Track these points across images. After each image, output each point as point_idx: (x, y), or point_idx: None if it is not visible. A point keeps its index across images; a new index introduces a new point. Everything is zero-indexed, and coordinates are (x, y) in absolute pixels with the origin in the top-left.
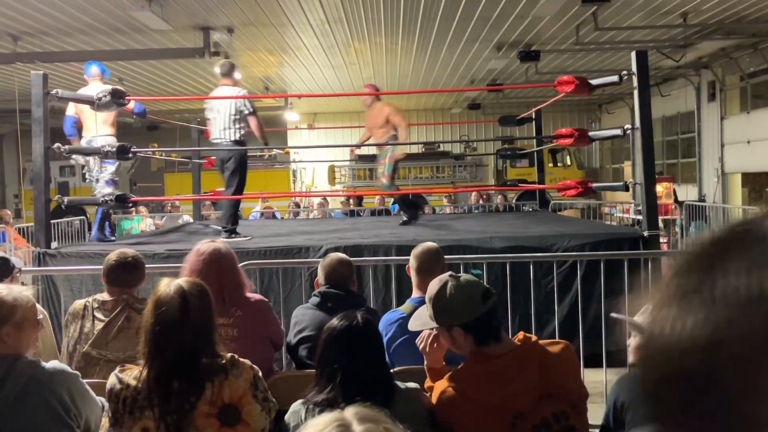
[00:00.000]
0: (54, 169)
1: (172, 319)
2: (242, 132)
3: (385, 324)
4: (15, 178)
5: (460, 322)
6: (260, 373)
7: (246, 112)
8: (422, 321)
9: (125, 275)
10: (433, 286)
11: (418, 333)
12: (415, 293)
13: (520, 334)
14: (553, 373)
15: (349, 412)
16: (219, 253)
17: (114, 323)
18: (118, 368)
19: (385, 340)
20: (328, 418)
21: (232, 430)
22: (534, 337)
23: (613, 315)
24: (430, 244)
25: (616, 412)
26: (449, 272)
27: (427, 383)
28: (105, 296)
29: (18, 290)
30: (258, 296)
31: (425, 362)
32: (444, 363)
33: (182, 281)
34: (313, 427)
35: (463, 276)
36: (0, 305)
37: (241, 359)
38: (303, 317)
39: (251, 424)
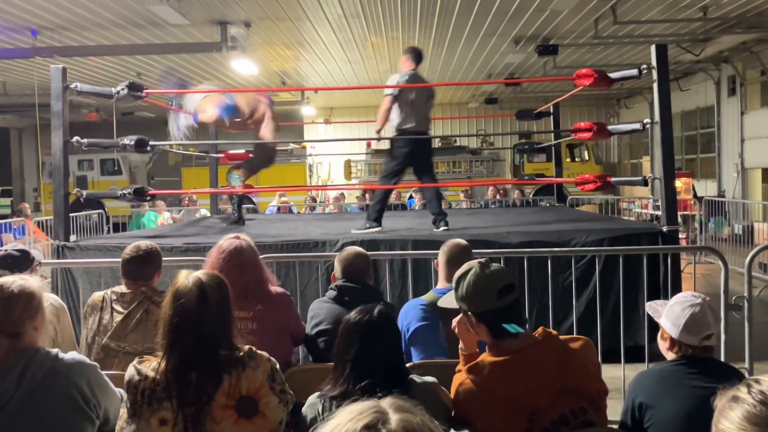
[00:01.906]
0: (73, 163)
1: (190, 311)
2: None
3: (407, 309)
4: (34, 172)
5: (472, 309)
6: (278, 366)
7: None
8: (450, 299)
9: (139, 268)
10: (462, 268)
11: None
12: (441, 284)
13: (541, 329)
14: (573, 369)
15: (386, 402)
16: (240, 250)
17: (133, 315)
18: (136, 360)
19: (404, 324)
20: (364, 405)
21: (249, 422)
22: (554, 333)
23: (648, 305)
24: (460, 240)
25: (634, 412)
26: (484, 259)
27: (459, 367)
28: (123, 289)
29: (31, 281)
30: (280, 290)
31: (460, 345)
32: (478, 350)
33: (201, 273)
34: (348, 413)
35: (494, 267)
36: (31, 298)
37: (259, 351)
38: (320, 311)
39: (269, 416)
